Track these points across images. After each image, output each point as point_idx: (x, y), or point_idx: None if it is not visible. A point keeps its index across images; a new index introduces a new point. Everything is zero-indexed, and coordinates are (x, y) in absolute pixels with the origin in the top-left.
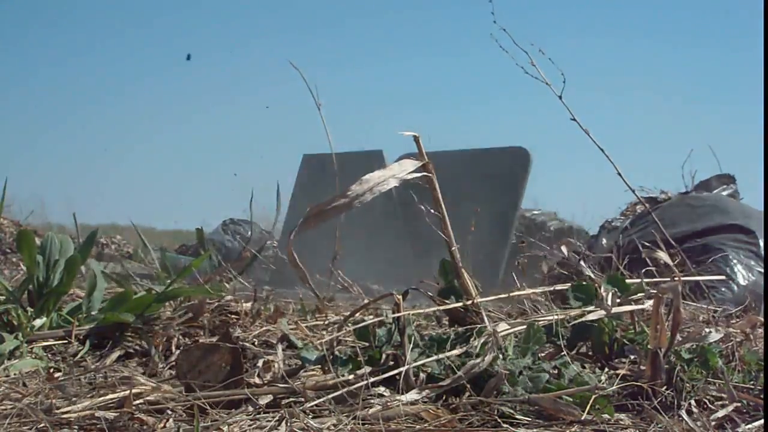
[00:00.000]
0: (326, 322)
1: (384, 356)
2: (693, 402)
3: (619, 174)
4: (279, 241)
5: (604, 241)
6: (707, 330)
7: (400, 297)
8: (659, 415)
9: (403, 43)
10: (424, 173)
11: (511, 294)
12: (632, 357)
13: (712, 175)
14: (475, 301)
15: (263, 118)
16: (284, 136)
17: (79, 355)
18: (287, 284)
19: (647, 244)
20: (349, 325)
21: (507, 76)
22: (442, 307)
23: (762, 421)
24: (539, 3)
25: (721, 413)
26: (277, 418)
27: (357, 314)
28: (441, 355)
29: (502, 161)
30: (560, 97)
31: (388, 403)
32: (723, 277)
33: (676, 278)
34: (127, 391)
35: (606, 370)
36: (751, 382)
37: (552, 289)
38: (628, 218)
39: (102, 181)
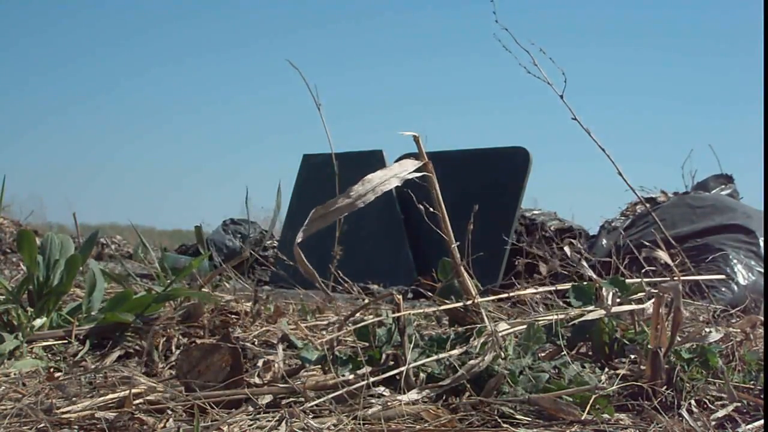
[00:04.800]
0: (326, 322)
1: (384, 356)
2: (693, 402)
3: (620, 174)
4: (279, 241)
5: (604, 241)
6: (707, 330)
7: (400, 297)
8: (659, 415)
9: (404, 44)
10: (425, 173)
11: (511, 294)
12: (632, 357)
13: (710, 175)
14: (475, 300)
15: (264, 118)
16: (284, 136)
17: (79, 355)
18: (287, 284)
19: (647, 243)
20: (349, 325)
21: (507, 76)
22: (442, 307)
23: (762, 422)
24: (540, 4)
25: (721, 413)
26: (277, 418)
27: (357, 314)
28: (441, 355)
29: (503, 161)
30: (561, 97)
31: (388, 403)
32: (723, 277)
33: (676, 278)
34: (127, 391)
35: (606, 370)
36: (751, 382)
37: (552, 289)
38: (628, 218)
39: (102, 181)
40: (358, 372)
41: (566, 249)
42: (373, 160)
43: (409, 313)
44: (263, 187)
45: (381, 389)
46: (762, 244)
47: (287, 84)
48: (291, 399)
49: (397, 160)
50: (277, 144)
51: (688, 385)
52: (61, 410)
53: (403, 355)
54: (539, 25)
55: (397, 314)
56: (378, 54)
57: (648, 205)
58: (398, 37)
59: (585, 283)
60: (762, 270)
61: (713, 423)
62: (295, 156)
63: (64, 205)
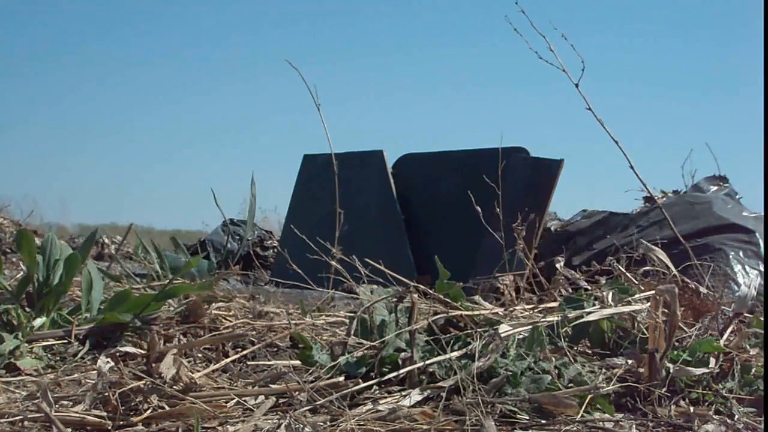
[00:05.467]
0: (327, 322)
1: (387, 356)
2: (690, 401)
3: (632, 167)
4: (279, 241)
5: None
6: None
7: (404, 297)
8: (657, 415)
9: (406, 44)
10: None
11: (509, 310)
12: (630, 360)
13: (709, 175)
14: (478, 301)
15: (264, 117)
16: (285, 135)
17: (79, 355)
18: (287, 284)
19: (648, 244)
20: (352, 325)
21: (507, 76)
22: (444, 308)
23: (761, 419)
24: (537, 4)
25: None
26: (277, 417)
27: (358, 314)
28: (443, 356)
29: (537, 169)
30: (577, 85)
31: (391, 403)
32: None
33: (674, 279)
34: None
35: (604, 370)
36: (746, 388)
37: (547, 306)
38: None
39: (101, 181)
40: (360, 372)
41: (557, 266)
42: (375, 161)
43: (412, 313)
44: (262, 188)
45: (383, 389)
46: (762, 244)
47: (289, 84)
48: (291, 399)
49: (397, 161)
50: (277, 143)
51: (684, 385)
52: (61, 410)
53: (411, 354)
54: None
55: (399, 314)
56: (380, 53)
57: (651, 203)
58: (401, 36)
59: (580, 294)
60: (762, 270)
61: (711, 422)
62: (295, 155)
63: (61, 206)
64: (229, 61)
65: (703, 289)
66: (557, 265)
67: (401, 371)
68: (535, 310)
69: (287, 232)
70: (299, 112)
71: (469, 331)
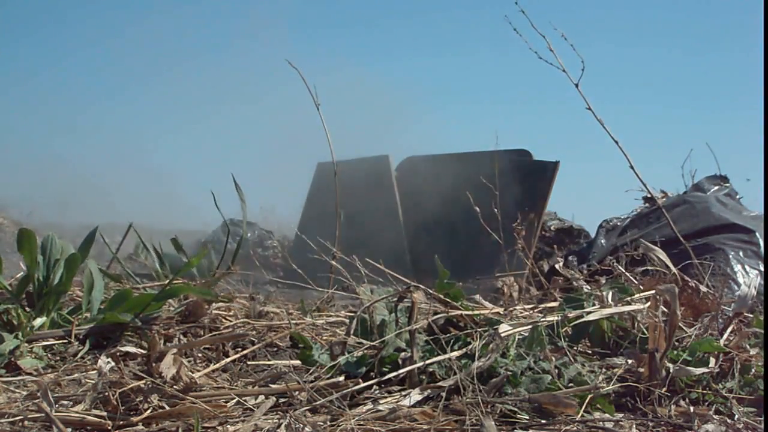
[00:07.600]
0: (327, 322)
1: (387, 356)
2: (690, 401)
3: (632, 167)
4: (292, 245)
5: (603, 241)
6: (705, 330)
7: (404, 297)
8: (657, 415)
9: (407, 45)
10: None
11: (509, 309)
12: (630, 360)
13: (710, 174)
14: (477, 301)
15: (264, 116)
16: (284, 135)
17: (79, 355)
18: (288, 284)
19: (648, 243)
20: (352, 324)
21: (508, 77)
22: (444, 308)
23: (761, 419)
24: (536, 5)
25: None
26: (277, 417)
27: (358, 313)
28: (443, 356)
29: (534, 172)
30: (577, 85)
31: (391, 403)
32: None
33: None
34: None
35: (604, 370)
36: (747, 388)
37: (547, 306)
38: (627, 218)
39: (100, 181)
40: (361, 371)
41: (557, 267)
42: (381, 166)
43: (413, 313)
44: (262, 188)
45: (383, 389)
46: (762, 243)
47: (291, 84)
48: (291, 399)
49: (400, 164)
50: (277, 143)
51: (684, 384)
52: (61, 410)
53: (411, 354)
54: (536, 23)
55: (399, 314)
56: (382, 54)
57: (650, 204)
58: (404, 36)
59: (580, 294)
60: (762, 270)
61: (710, 421)
62: (295, 155)
63: (60, 206)
64: (231, 59)
65: (703, 288)
66: (557, 265)
67: (401, 371)
68: (535, 310)
69: (300, 238)
70: (300, 113)
71: (469, 330)
